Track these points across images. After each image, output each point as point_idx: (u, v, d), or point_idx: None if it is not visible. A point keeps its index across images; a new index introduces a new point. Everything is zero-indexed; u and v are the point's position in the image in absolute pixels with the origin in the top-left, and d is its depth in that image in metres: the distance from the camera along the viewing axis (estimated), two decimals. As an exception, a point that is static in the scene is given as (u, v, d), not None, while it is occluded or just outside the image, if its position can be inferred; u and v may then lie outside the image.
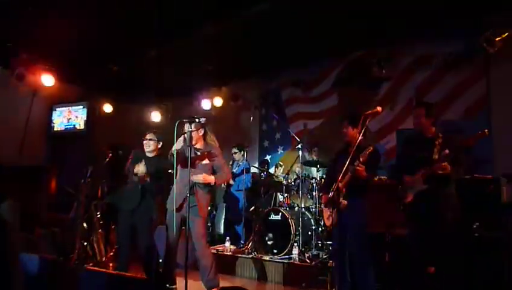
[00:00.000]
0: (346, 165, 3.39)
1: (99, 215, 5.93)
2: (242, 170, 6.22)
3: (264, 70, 7.50)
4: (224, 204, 6.81)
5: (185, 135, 3.86)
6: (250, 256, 5.24)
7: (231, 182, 6.33)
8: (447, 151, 3.27)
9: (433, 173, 3.33)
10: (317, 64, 7.14)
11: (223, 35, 5.81)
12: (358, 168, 3.42)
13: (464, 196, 3.55)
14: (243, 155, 6.38)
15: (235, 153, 6.48)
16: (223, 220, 7.05)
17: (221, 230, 7.09)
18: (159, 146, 4.50)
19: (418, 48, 6.08)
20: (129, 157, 4.54)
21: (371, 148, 3.41)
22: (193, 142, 3.87)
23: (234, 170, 6.39)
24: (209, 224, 6.26)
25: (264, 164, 7.36)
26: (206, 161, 3.98)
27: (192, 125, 3.84)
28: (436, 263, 3.46)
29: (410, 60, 6.19)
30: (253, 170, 6.82)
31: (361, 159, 3.40)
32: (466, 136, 3.34)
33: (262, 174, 6.73)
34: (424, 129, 3.60)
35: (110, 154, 5.65)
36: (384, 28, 5.58)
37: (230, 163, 6.49)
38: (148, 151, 4.44)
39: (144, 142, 4.45)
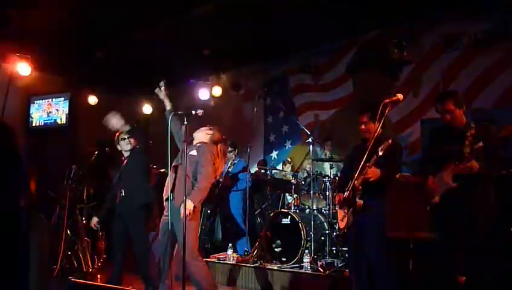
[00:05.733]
0: (362, 162, 3.35)
1: (84, 221, 5.94)
2: (240, 170, 6.22)
3: (268, 54, 7.43)
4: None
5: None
6: (256, 265, 5.21)
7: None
8: (480, 144, 3.21)
9: (461, 170, 3.28)
10: (328, 47, 7.07)
11: (222, 14, 5.76)
12: (369, 170, 3.39)
13: (500, 195, 3.49)
14: (237, 153, 6.38)
15: (229, 152, 6.44)
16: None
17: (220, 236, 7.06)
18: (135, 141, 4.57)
19: (444, 26, 6.00)
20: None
21: (390, 141, 3.36)
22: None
23: (229, 169, 6.38)
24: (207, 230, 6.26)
25: (261, 164, 7.34)
26: (194, 153, 3.88)
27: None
28: (467, 272, 3.41)
29: (435, 39, 6.11)
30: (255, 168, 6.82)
31: (379, 154, 3.36)
32: (503, 126, 3.27)
33: (267, 172, 6.70)
34: (454, 119, 3.54)
35: (96, 152, 5.65)
36: (405, 2, 5.49)
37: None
38: (126, 151, 4.55)
39: (121, 142, 4.54)
